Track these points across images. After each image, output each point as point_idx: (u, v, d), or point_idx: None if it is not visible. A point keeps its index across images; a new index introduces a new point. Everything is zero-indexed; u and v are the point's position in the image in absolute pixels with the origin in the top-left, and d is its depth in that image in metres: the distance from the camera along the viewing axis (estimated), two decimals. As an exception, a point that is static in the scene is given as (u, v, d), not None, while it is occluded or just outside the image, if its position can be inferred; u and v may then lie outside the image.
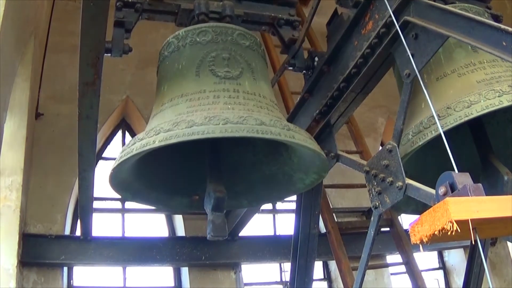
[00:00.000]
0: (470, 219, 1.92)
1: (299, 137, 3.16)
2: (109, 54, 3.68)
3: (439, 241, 2.06)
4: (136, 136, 3.16)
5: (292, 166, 3.77)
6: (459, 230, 1.91)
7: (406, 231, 6.52)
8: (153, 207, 6.41)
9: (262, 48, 3.93)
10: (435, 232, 2.00)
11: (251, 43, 3.73)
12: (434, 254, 9.14)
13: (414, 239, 2.17)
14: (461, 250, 8.67)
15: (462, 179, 2.30)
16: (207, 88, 3.34)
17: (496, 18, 4.25)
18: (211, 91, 3.32)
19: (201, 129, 2.90)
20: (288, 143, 3.19)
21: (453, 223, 1.90)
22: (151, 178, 3.72)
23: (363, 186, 3.50)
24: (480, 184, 2.24)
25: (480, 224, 1.99)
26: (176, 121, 3.03)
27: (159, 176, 3.79)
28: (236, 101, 3.28)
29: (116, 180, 3.39)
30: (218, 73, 3.42)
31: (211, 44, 3.56)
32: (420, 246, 2.15)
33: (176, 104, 3.32)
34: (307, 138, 3.30)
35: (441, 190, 2.38)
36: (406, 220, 8.10)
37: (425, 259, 8.96)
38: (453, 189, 2.32)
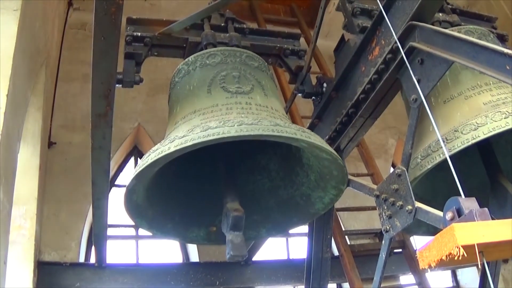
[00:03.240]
0: (476, 244, 1.95)
1: (314, 138, 3.15)
2: (120, 85, 3.75)
3: (447, 266, 2.08)
4: (151, 149, 3.12)
5: (309, 184, 3.75)
6: (465, 255, 1.93)
7: (419, 252, 6.55)
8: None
9: (271, 71, 3.98)
10: (443, 257, 2.03)
11: (259, 64, 3.79)
12: (448, 273, 9.10)
13: (422, 264, 2.20)
14: (474, 268, 8.61)
15: (469, 204, 2.32)
16: (219, 102, 3.36)
17: (502, 38, 4.29)
18: (224, 104, 3.34)
19: (216, 131, 2.88)
20: (304, 144, 3.13)
21: (459, 248, 1.93)
22: (166, 206, 3.72)
23: (374, 208, 3.51)
24: (486, 209, 2.27)
25: (487, 247, 2.02)
26: (191, 128, 3.02)
27: (174, 205, 3.79)
28: (249, 111, 3.29)
29: (131, 202, 3.34)
30: (229, 89, 3.45)
31: (220, 65, 3.62)
32: (429, 270, 2.19)
33: (189, 119, 3.32)
34: (323, 141, 3.29)
35: (448, 215, 2.40)
36: (418, 241, 8.08)
37: (439, 278, 8.94)
38: (459, 214, 2.34)
